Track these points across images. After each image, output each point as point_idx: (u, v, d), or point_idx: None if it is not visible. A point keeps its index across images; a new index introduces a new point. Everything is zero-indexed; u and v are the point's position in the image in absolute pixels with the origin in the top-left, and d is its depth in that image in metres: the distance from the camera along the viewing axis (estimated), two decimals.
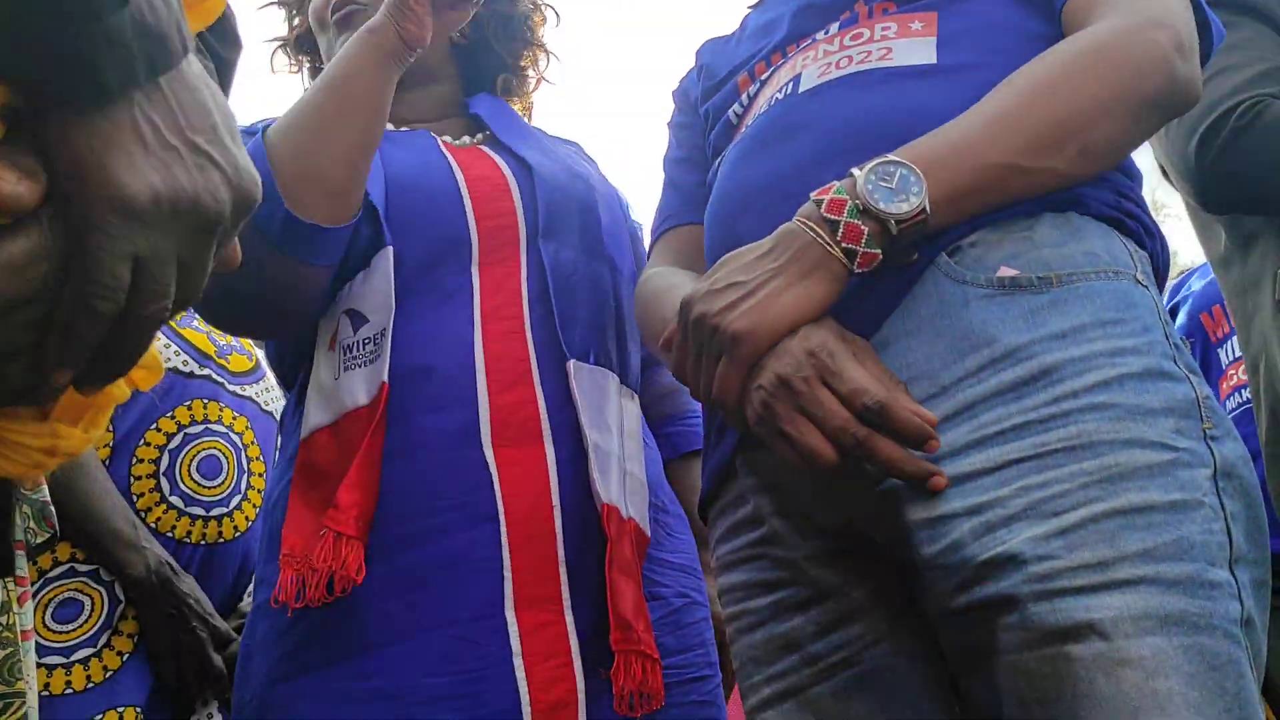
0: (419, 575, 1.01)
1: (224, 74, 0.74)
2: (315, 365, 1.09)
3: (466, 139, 1.28)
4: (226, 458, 1.57)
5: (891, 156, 0.77)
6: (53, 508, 1.02)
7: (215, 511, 1.53)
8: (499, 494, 1.03)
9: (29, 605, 0.98)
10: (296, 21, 1.40)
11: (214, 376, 1.67)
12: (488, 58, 1.36)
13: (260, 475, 1.61)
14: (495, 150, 1.23)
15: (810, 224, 0.77)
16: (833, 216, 0.76)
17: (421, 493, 1.03)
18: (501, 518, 1.02)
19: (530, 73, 1.41)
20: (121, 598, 1.41)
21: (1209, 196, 1.30)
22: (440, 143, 1.22)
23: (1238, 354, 1.68)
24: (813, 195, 0.78)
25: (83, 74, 0.45)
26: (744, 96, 1.05)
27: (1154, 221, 0.87)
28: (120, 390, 0.61)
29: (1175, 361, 0.76)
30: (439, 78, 1.31)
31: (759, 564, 0.87)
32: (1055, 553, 0.67)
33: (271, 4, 1.42)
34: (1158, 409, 0.72)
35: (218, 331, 1.77)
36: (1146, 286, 0.80)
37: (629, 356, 1.17)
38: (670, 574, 1.14)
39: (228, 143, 0.51)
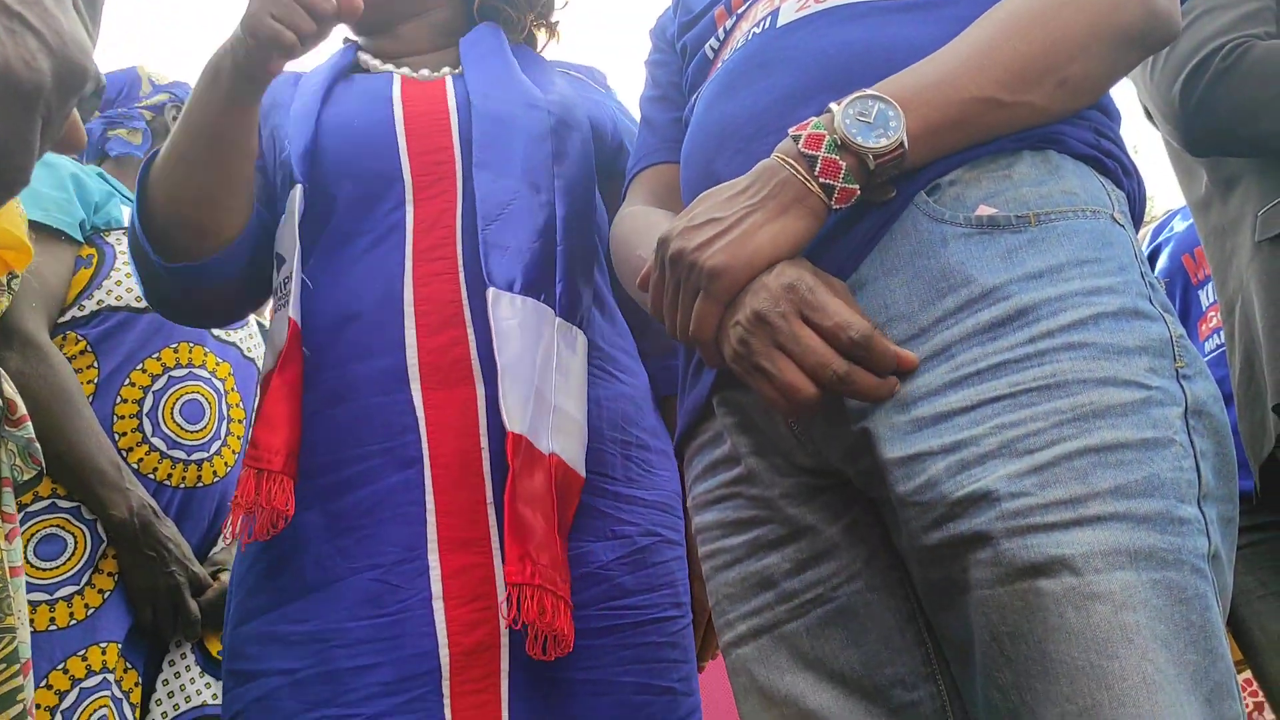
0: (347, 521, 1.03)
1: None
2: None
3: (426, 72, 1.26)
4: (209, 402, 1.57)
5: (869, 91, 0.76)
6: (38, 445, 1.02)
7: (195, 456, 1.53)
8: (424, 437, 1.03)
9: (17, 542, 0.98)
10: None
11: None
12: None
13: (239, 422, 1.61)
14: (456, 82, 1.21)
15: (788, 160, 0.76)
16: (810, 152, 0.75)
17: (352, 439, 1.04)
18: (426, 461, 1.02)
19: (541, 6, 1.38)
20: (103, 536, 1.42)
21: (1192, 138, 1.30)
22: (398, 81, 1.20)
23: (1216, 297, 1.69)
24: (790, 131, 0.77)
25: None
26: (720, 31, 1.04)
27: (1132, 161, 0.87)
28: None
29: (1150, 300, 0.76)
30: (431, 6, 1.30)
31: (735, 502, 0.87)
32: (1028, 490, 0.68)
33: None
34: (1131, 348, 0.72)
35: None
36: (1123, 225, 0.80)
37: (574, 291, 1.11)
38: (639, 511, 1.11)
39: (50, 6, 0.46)
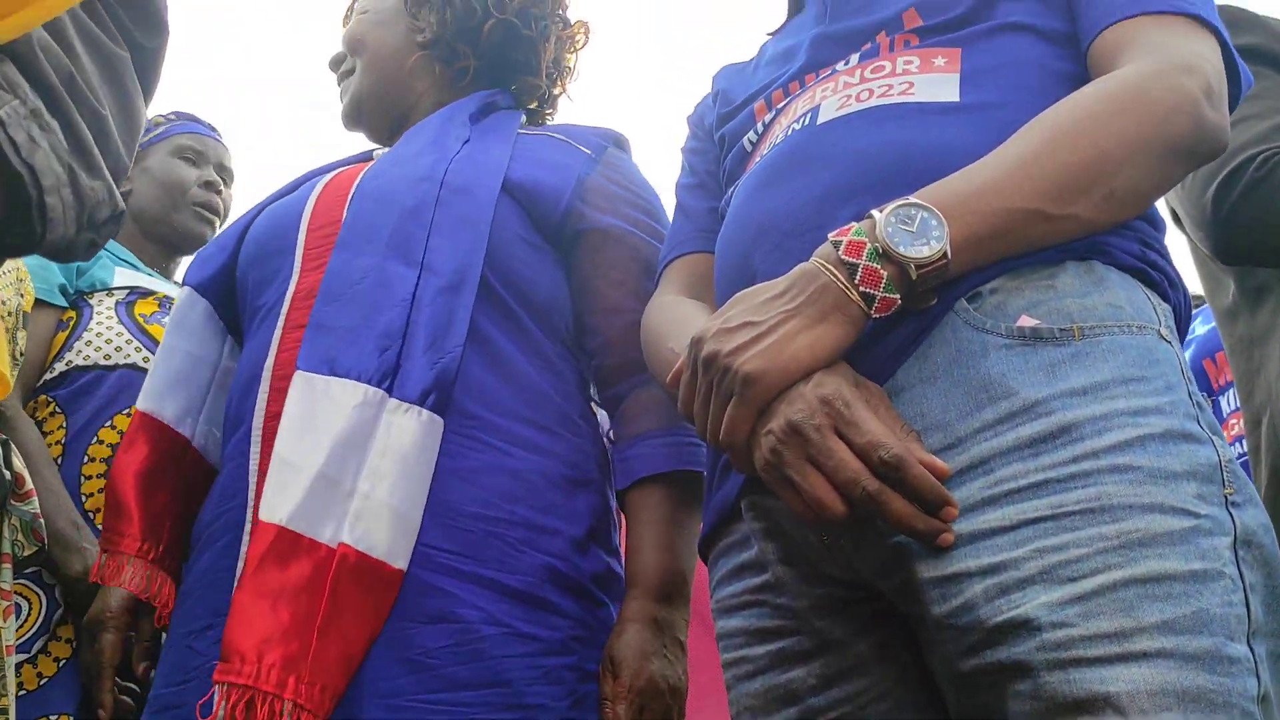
0: (188, 584, 1.09)
1: (147, 61, 0.73)
2: None
3: (377, 151, 1.32)
4: None
5: (912, 199, 0.75)
6: (44, 520, 1.00)
7: None
8: (249, 501, 1.03)
9: (11, 621, 0.96)
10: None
11: None
12: (515, 58, 1.35)
13: None
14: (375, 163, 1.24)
15: (828, 266, 0.74)
16: (851, 259, 0.73)
17: (214, 502, 1.11)
18: (246, 526, 1.02)
19: (553, 84, 1.40)
20: (60, 602, 1.38)
21: (1223, 246, 1.29)
22: (336, 172, 1.25)
23: (1238, 404, 1.67)
24: (830, 236, 0.76)
25: None
26: (759, 125, 1.03)
27: (1178, 272, 0.86)
28: None
29: (1198, 422, 0.73)
30: (417, 97, 1.34)
31: (760, 610, 0.84)
32: (1071, 620, 0.65)
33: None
34: (1179, 472, 0.70)
35: None
36: (1170, 342, 0.78)
37: (427, 367, 1.03)
38: (490, 597, 0.98)
39: (92, 150, 0.59)
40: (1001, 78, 0.87)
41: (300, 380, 1.00)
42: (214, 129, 1.96)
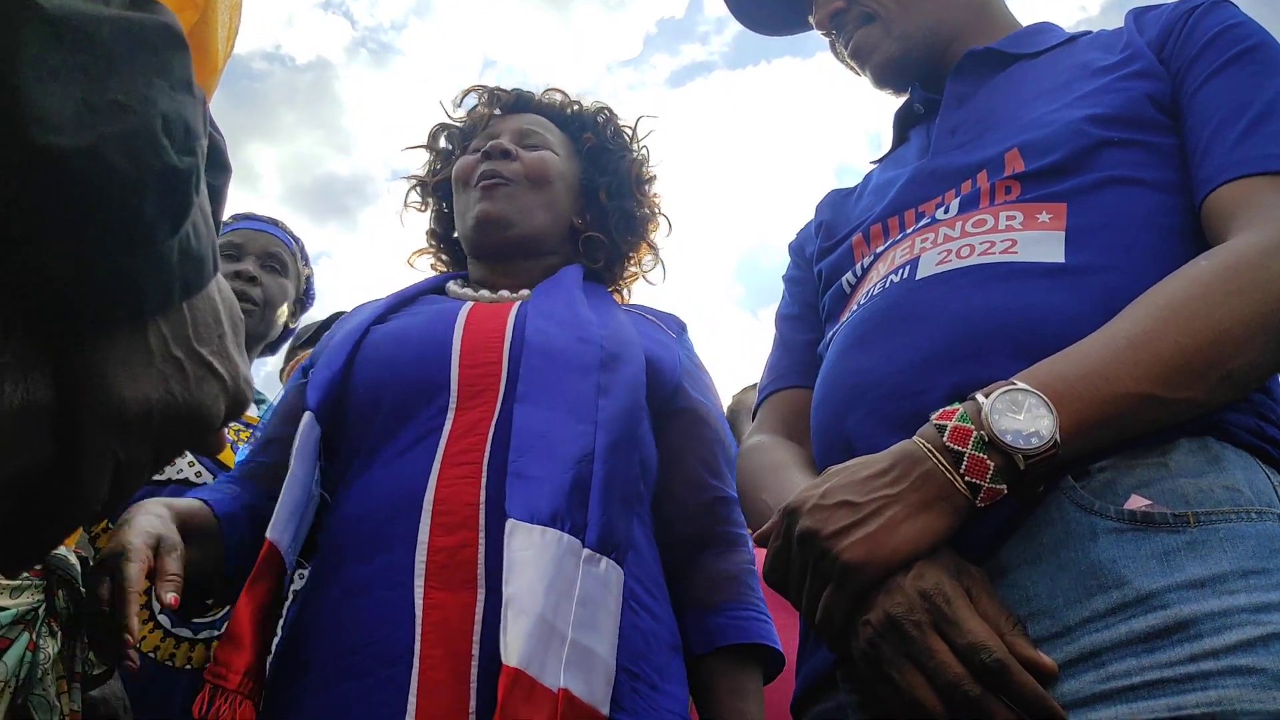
0: (328, 716, 1.01)
1: (214, 199, 0.72)
2: None
3: (505, 293, 1.33)
4: None
5: (1019, 384, 0.73)
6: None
7: (204, 634, 1.45)
8: (418, 636, 1.00)
9: None
10: (439, 168, 1.51)
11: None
12: (602, 242, 1.44)
13: None
14: (521, 307, 1.27)
15: (933, 451, 0.73)
16: (956, 447, 0.72)
17: (351, 632, 1.04)
18: (416, 660, 0.99)
19: (634, 266, 1.51)
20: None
21: None
22: (468, 305, 1.27)
23: None
24: (934, 419, 0.74)
25: (122, 298, 0.42)
26: (858, 266, 1.02)
27: None
28: None
29: None
30: (550, 252, 1.39)
31: None
32: None
33: (418, 147, 1.53)
34: None
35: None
36: None
37: (609, 521, 1.08)
38: None
39: (231, 352, 0.50)
40: (1108, 238, 0.85)
41: (519, 529, 1.02)
42: (269, 221, 2.00)
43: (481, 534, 1.05)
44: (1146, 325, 0.74)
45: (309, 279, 2.08)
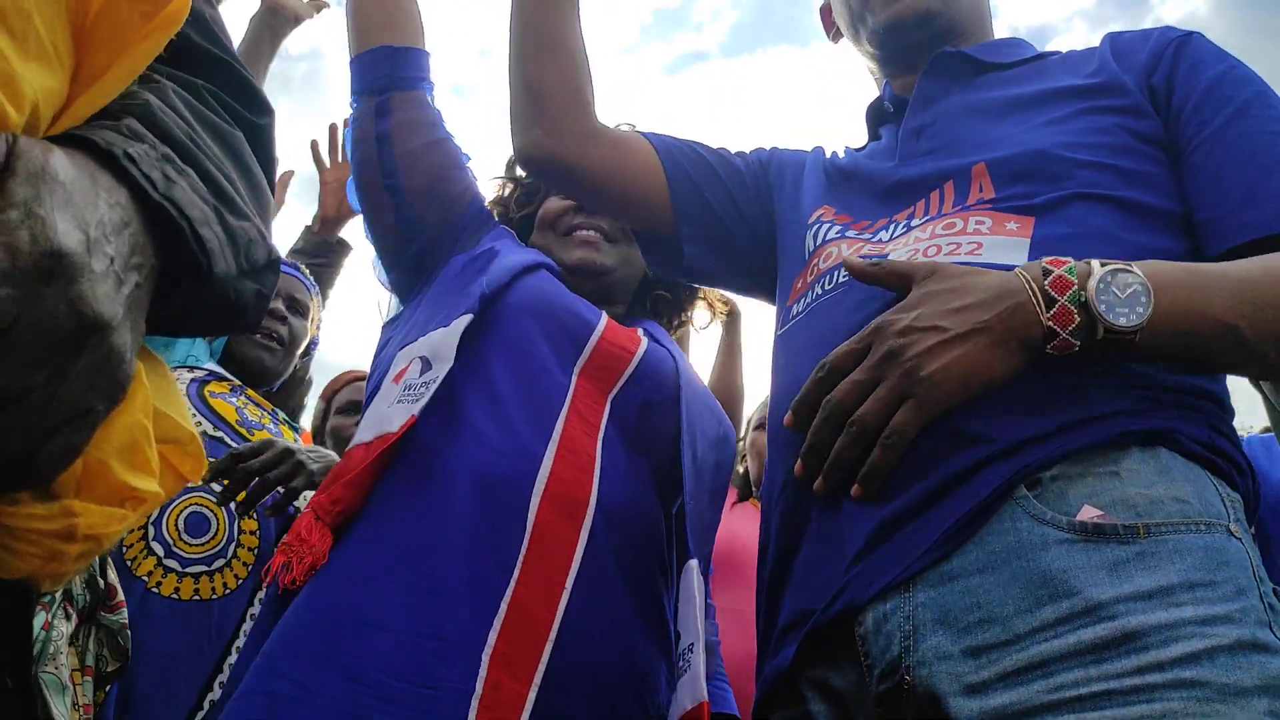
0: (433, 583, 1.00)
1: (260, 138, 0.74)
2: (380, 392, 1.18)
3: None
4: (215, 518, 1.55)
5: (1134, 267, 0.77)
6: (129, 632, 1.02)
7: (191, 569, 1.50)
8: (524, 548, 1.02)
9: None
10: (509, 195, 1.54)
11: (226, 440, 1.67)
12: (666, 298, 1.55)
13: (250, 549, 1.58)
14: (644, 331, 1.34)
15: (1032, 287, 0.78)
16: (1054, 293, 0.77)
17: (449, 524, 1.03)
18: (516, 572, 1.00)
19: (690, 321, 1.62)
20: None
21: None
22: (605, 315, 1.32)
23: None
24: (1045, 260, 0.79)
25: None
26: (820, 263, 1.04)
27: (1245, 457, 0.83)
28: (165, 483, 0.58)
29: (1271, 629, 0.71)
30: (619, 301, 1.45)
31: None
32: None
33: (500, 178, 1.55)
34: (1250, 688, 0.67)
35: (253, 406, 1.78)
36: (1240, 538, 0.75)
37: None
38: None
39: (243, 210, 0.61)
40: (1073, 246, 0.86)
41: (693, 569, 1.08)
42: (291, 264, 2.10)
43: (594, 488, 1.10)
44: (1258, 278, 0.79)
45: (319, 327, 2.18)
